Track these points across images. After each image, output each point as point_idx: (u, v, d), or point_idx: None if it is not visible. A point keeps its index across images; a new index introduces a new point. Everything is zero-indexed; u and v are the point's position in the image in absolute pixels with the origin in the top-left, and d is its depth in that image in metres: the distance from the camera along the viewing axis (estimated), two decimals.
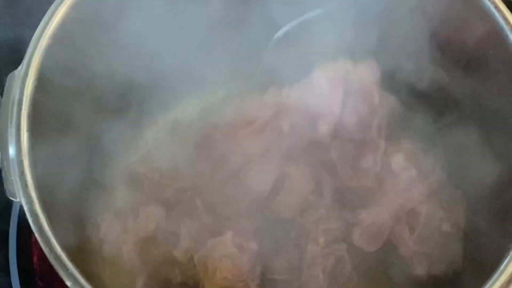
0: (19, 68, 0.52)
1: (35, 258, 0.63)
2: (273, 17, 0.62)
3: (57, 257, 0.46)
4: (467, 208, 0.61)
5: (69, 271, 0.46)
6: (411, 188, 0.60)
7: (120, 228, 0.59)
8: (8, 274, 0.62)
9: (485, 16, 0.55)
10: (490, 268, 0.49)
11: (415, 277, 0.60)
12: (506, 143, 0.56)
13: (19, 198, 0.48)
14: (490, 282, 0.47)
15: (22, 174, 0.48)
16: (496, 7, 0.55)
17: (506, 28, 0.54)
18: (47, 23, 0.53)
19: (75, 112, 0.56)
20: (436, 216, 0.60)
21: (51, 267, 0.46)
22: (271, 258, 0.59)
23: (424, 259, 0.60)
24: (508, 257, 0.48)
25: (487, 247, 0.56)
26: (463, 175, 0.61)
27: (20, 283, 0.61)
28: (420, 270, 0.60)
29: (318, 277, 0.58)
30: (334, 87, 0.59)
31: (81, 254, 0.52)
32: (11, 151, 0.49)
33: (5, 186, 0.49)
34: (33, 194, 0.48)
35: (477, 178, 0.58)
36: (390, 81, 0.61)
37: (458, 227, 0.61)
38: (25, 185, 0.48)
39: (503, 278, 0.47)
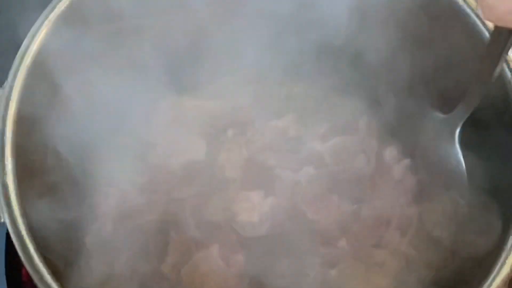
0: (3, 86, 0.52)
1: (24, 270, 0.62)
2: None
3: (42, 280, 0.46)
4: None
5: None
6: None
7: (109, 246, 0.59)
8: None
9: None
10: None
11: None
12: None
13: (3, 219, 0.48)
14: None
15: (6, 194, 0.48)
16: None
17: None
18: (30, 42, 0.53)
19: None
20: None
21: None
22: (259, 269, 0.59)
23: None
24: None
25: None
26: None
27: None
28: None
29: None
30: None
31: (69, 274, 0.52)
32: None
33: None
34: (18, 215, 0.48)
35: None
36: None
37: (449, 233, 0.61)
38: (9, 205, 0.48)
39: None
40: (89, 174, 0.61)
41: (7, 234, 0.64)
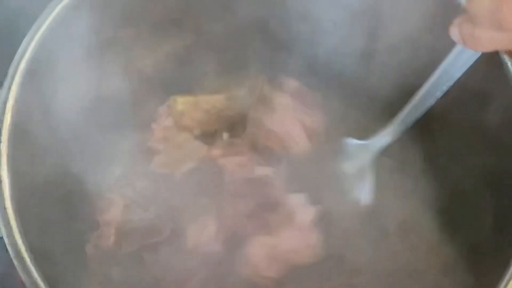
0: None
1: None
2: None
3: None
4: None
5: None
6: None
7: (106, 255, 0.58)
8: None
9: None
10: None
11: None
12: None
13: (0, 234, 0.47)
14: None
15: (2, 206, 0.48)
16: None
17: None
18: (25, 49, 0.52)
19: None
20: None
21: None
22: None
23: None
24: None
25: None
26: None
27: None
28: None
29: None
30: None
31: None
32: None
33: None
34: (15, 228, 0.47)
35: None
36: None
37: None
38: (5, 218, 0.47)
39: None
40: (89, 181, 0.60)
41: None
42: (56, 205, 0.54)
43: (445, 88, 0.51)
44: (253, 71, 0.67)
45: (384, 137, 0.57)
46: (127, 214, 0.61)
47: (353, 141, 0.60)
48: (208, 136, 0.66)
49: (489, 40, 0.42)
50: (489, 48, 0.43)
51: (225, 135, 0.67)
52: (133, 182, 0.63)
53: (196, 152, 0.64)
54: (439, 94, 0.52)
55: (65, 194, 0.55)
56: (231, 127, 0.67)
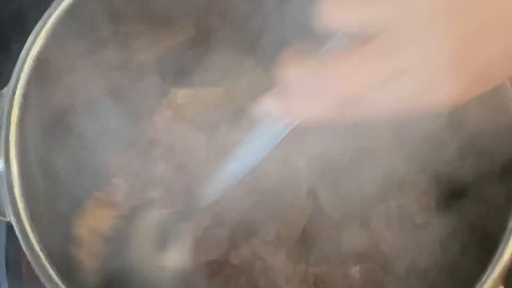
0: (6, 87, 0.52)
1: (24, 268, 0.63)
2: None
3: (48, 277, 0.47)
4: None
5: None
6: None
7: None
8: None
9: None
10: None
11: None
12: None
13: (9, 218, 0.49)
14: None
15: (11, 193, 0.49)
16: None
17: None
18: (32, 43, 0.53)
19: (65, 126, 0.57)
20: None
21: None
22: None
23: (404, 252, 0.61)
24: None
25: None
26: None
27: None
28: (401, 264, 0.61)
29: None
30: None
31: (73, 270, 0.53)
32: (0, 169, 0.50)
33: None
34: (23, 215, 0.49)
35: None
36: None
37: (431, 217, 0.63)
38: (14, 205, 0.49)
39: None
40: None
41: (8, 228, 0.65)
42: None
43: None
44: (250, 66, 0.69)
45: None
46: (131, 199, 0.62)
47: None
48: (208, 129, 0.68)
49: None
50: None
51: (224, 128, 0.68)
52: (134, 171, 0.64)
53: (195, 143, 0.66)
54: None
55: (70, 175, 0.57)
56: (230, 120, 0.68)
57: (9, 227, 0.61)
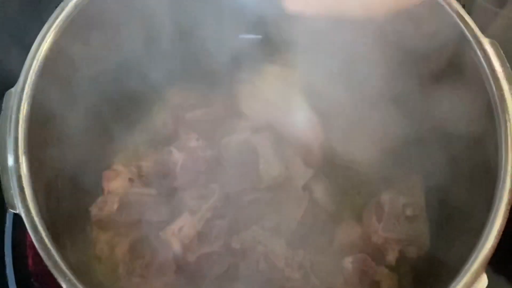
0: (15, 86, 0.54)
1: (30, 260, 0.64)
2: None
3: (57, 266, 0.49)
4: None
5: (67, 277, 0.48)
6: None
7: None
8: (4, 275, 0.64)
9: None
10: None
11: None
12: None
13: (18, 210, 0.51)
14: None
15: (21, 187, 0.51)
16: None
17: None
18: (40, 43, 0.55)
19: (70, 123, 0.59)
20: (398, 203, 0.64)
21: (46, 268, 0.49)
22: None
23: (395, 244, 0.64)
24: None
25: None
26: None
27: (16, 284, 0.63)
28: (393, 255, 0.63)
29: None
30: None
31: (80, 260, 0.55)
32: (10, 164, 0.52)
33: (5, 199, 0.51)
34: (32, 206, 0.50)
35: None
36: None
37: (421, 210, 0.65)
38: (24, 198, 0.51)
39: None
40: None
41: (14, 224, 0.67)
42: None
43: None
44: None
45: None
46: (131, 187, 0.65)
47: None
48: None
49: None
50: None
51: None
52: (137, 160, 0.67)
53: None
54: None
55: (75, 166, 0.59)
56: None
57: (16, 219, 0.64)
